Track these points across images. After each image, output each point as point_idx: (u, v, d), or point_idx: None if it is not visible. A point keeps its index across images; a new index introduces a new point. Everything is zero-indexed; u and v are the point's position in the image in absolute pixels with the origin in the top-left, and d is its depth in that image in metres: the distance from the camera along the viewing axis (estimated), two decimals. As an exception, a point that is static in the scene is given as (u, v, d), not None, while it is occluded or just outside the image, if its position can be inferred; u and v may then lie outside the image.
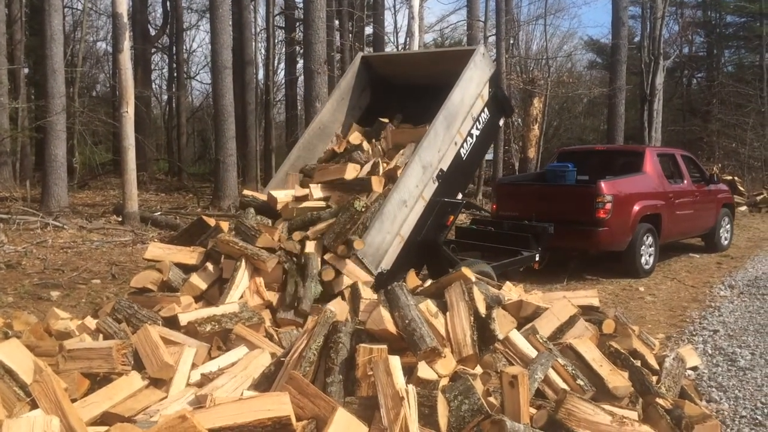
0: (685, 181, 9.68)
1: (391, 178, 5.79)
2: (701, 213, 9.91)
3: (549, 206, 8.26)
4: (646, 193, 8.72)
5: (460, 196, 6.40)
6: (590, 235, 8.10)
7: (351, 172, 5.81)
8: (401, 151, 6.18)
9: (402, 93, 7.16)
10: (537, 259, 6.94)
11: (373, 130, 6.69)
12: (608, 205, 8.01)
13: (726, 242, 10.76)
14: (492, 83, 6.60)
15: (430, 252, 5.97)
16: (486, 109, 6.54)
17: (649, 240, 8.63)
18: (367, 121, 7.06)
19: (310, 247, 5.15)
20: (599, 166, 9.55)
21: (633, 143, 20.63)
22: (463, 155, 6.26)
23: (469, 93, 6.27)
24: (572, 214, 8.11)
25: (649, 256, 8.66)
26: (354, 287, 4.70)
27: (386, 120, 6.65)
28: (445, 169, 6.01)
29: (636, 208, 8.41)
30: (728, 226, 10.76)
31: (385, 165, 6.02)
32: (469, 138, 6.32)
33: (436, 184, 5.92)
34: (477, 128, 6.42)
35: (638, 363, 4.06)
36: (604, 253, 8.60)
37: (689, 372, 4.74)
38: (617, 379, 3.69)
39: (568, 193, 8.55)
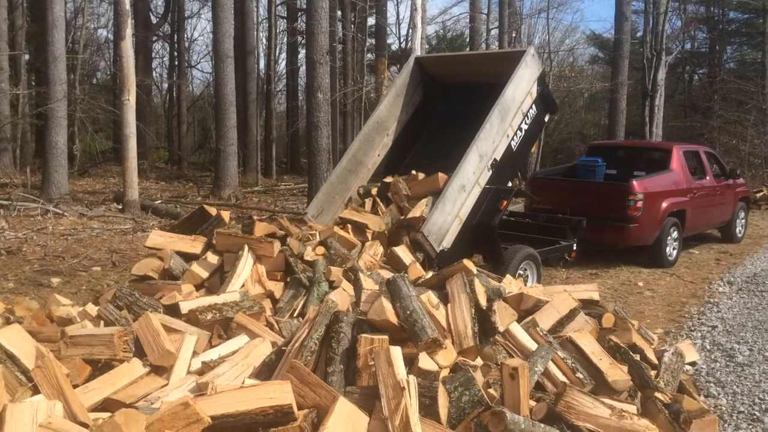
0: (708, 177, 10.08)
1: (413, 226, 6.03)
2: (721, 207, 10.42)
3: (582, 201, 8.71)
4: (674, 191, 9.15)
5: (509, 184, 6.95)
6: (621, 231, 8.52)
7: (377, 224, 6.17)
8: (423, 201, 6.32)
9: (452, 91, 7.63)
10: (574, 248, 7.53)
11: (382, 190, 6.85)
12: (639, 203, 8.44)
13: (741, 234, 11.20)
14: (540, 82, 7.02)
15: (485, 234, 6.40)
16: (534, 106, 6.97)
17: (675, 233, 9.11)
18: (418, 115, 7.60)
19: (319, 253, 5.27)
20: (627, 161, 10.02)
21: (634, 138, 20.61)
22: (513, 147, 6.73)
23: (521, 90, 6.71)
24: (604, 210, 8.52)
25: (674, 248, 9.14)
26: (356, 278, 4.71)
27: (391, 179, 6.85)
28: (498, 158, 6.50)
29: (664, 204, 8.84)
30: (743, 219, 11.24)
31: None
32: (518, 132, 6.78)
33: (490, 172, 6.40)
34: (526, 123, 6.87)
35: (637, 357, 4.08)
36: (632, 246, 8.97)
37: (688, 367, 4.77)
38: (616, 373, 3.71)
39: (601, 190, 8.99)
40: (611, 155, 10.05)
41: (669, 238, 8.98)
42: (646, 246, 8.84)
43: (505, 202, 6.56)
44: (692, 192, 9.48)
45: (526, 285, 6.36)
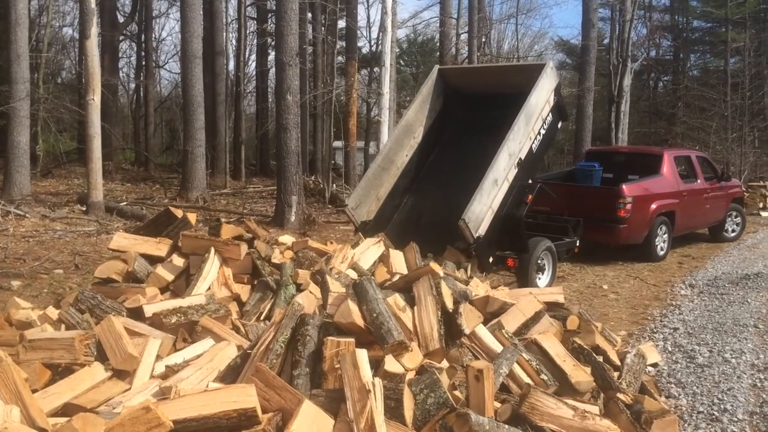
0: (699, 180, 10.82)
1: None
2: (711, 208, 11.04)
3: (577, 203, 9.33)
4: (663, 193, 9.81)
5: (530, 181, 7.51)
6: (612, 231, 9.26)
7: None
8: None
9: (471, 100, 8.29)
10: (577, 244, 8.24)
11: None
12: (629, 206, 9.16)
13: (733, 234, 11.70)
14: (556, 92, 7.67)
15: (512, 224, 7.08)
16: (550, 114, 7.62)
17: (664, 231, 9.81)
18: (440, 121, 8.18)
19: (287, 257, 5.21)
20: (622, 165, 10.68)
21: (600, 144, 20.93)
22: (533, 149, 7.34)
23: (541, 98, 7.36)
24: (597, 212, 9.19)
25: (663, 243, 9.87)
26: (323, 280, 4.69)
27: None
28: (522, 158, 7.11)
29: (653, 207, 9.54)
30: (737, 219, 11.77)
31: None
32: (538, 136, 7.41)
33: (516, 169, 7.04)
34: (543, 128, 7.50)
35: (600, 359, 4.14)
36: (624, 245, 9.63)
37: (649, 368, 4.85)
38: (580, 375, 3.76)
39: (594, 193, 9.71)
40: (608, 160, 10.66)
41: (658, 237, 9.64)
42: (636, 244, 9.47)
43: (530, 196, 7.20)
44: (682, 194, 10.07)
45: (541, 279, 7.22)
